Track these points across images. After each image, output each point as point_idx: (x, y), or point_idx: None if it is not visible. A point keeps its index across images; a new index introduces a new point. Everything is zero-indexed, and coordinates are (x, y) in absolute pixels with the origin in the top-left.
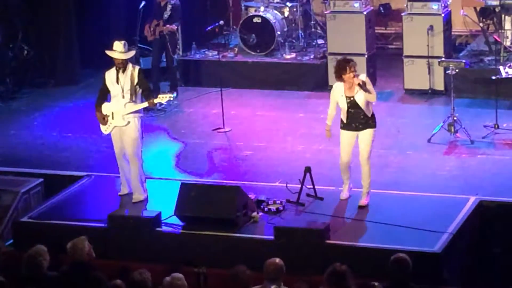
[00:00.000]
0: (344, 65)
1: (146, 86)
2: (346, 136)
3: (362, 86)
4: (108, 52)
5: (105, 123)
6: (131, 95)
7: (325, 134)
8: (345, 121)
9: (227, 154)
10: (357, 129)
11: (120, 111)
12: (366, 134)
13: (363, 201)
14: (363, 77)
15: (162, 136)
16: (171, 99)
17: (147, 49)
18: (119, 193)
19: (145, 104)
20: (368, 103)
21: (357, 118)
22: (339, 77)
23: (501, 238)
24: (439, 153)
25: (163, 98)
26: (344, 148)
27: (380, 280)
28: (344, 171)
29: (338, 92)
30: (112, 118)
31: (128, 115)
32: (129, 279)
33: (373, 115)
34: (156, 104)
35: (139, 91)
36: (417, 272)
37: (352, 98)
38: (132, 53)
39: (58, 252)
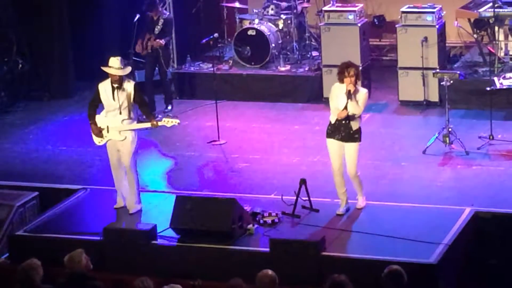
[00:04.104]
0: (342, 69)
1: (144, 102)
2: (332, 145)
3: (349, 94)
4: (104, 69)
5: (101, 136)
6: (128, 111)
7: (341, 114)
8: (333, 122)
9: (222, 166)
10: (342, 139)
11: (117, 127)
12: (351, 148)
13: (360, 204)
14: (362, 91)
15: (157, 149)
16: (177, 124)
17: (142, 62)
18: (114, 206)
19: (147, 125)
20: (354, 114)
21: (342, 122)
22: (341, 79)
23: (497, 249)
24: (434, 164)
25: (168, 122)
26: (332, 156)
27: None
28: (339, 184)
29: (339, 90)
30: (107, 131)
31: (126, 131)
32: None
33: (359, 129)
34: (158, 126)
35: (134, 105)
36: (413, 284)
37: (347, 101)
38: (128, 69)
39: (53, 266)
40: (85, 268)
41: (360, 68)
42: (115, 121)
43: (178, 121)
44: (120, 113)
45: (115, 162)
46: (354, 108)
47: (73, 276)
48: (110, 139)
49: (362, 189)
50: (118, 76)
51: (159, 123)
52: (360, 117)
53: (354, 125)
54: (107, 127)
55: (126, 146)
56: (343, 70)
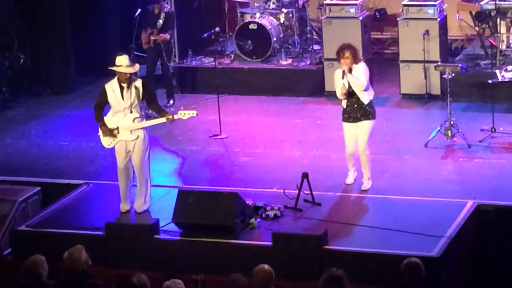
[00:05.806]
0: (338, 51)
1: (153, 98)
2: (348, 128)
3: (343, 74)
4: (112, 68)
5: (113, 135)
6: (139, 109)
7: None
8: (344, 106)
9: (224, 160)
10: (356, 120)
11: (128, 126)
12: (364, 125)
13: (365, 186)
14: (359, 66)
15: (159, 144)
16: (195, 115)
17: (143, 56)
18: (121, 211)
19: (162, 120)
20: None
21: (354, 105)
22: (338, 59)
23: (499, 242)
24: (436, 157)
25: (185, 115)
26: (347, 140)
27: (379, 286)
28: (349, 160)
29: (340, 75)
30: (118, 132)
31: (138, 130)
32: (127, 284)
33: (371, 105)
34: (174, 120)
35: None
36: None
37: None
38: (137, 66)
39: (56, 261)
40: (84, 265)
41: (362, 61)
42: (125, 121)
43: (195, 112)
44: (131, 111)
45: (124, 164)
46: (355, 83)
47: (72, 275)
48: (120, 140)
49: (369, 167)
50: (128, 75)
51: (175, 117)
52: (368, 91)
53: (365, 99)
54: (117, 128)
55: (138, 145)
56: (338, 53)
